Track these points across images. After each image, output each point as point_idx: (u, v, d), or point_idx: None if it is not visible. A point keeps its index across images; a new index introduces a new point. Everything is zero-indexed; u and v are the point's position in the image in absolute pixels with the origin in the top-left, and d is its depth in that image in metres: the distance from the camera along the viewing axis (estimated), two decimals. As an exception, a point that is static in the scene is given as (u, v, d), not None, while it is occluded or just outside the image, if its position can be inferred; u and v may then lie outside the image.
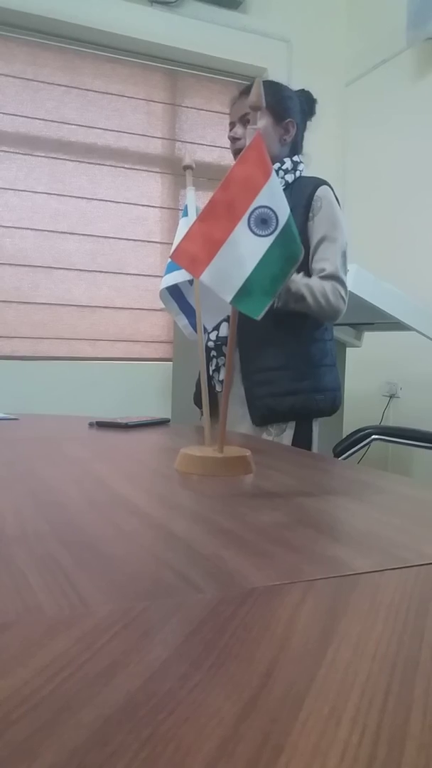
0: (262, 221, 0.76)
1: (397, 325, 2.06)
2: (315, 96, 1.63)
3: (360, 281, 1.85)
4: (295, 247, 0.77)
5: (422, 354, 2.54)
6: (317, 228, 1.46)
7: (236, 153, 1.53)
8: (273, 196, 0.76)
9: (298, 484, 0.80)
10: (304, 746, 0.25)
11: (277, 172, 1.51)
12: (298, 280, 1.39)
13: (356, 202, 3.09)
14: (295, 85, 1.62)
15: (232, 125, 1.55)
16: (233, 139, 1.53)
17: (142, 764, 0.23)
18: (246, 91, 1.51)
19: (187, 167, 1.01)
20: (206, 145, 3.14)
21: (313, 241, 1.46)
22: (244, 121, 1.50)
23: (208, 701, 0.28)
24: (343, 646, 0.33)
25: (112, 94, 2.96)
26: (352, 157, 3.24)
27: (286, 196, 0.84)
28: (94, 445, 1.12)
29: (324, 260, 1.44)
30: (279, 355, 1.49)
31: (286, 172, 1.55)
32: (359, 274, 1.86)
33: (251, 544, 0.51)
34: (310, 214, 1.47)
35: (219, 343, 1.53)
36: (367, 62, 3.10)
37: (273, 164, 1.51)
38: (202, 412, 1.64)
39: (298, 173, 1.56)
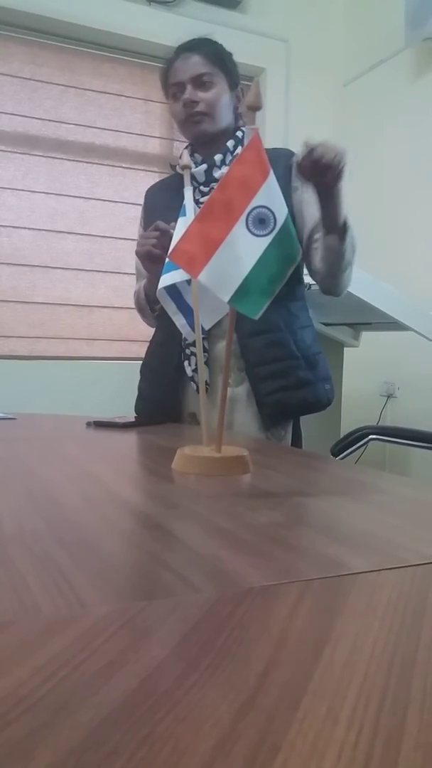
0: (260, 221, 0.76)
1: (394, 325, 2.06)
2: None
3: (358, 281, 1.85)
4: (293, 247, 0.78)
5: (420, 354, 2.54)
6: (311, 197, 1.30)
7: (190, 118, 1.34)
8: (271, 196, 0.76)
9: (296, 483, 0.80)
10: (301, 745, 0.25)
11: (241, 143, 1.37)
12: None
13: (354, 201, 3.08)
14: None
15: (179, 86, 1.33)
16: (191, 102, 1.32)
17: (139, 764, 0.23)
18: (191, 47, 1.34)
19: (185, 167, 1.00)
20: (204, 144, 3.14)
21: (311, 209, 1.34)
22: (199, 83, 1.31)
23: (205, 701, 0.28)
24: (340, 646, 0.33)
25: (110, 93, 2.96)
26: (350, 156, 3.24)
27: None
28: (92, 444, 1.12)
29: None
30: (282, 342, 1.34)
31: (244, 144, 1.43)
32: (357, 273, 1.87)
33: (248, 544, 0.51)
34: (296, 184, 1.36)
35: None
36: (366, 62, 3.10)
37: (228, 137, 1.38)
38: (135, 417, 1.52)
39: None
